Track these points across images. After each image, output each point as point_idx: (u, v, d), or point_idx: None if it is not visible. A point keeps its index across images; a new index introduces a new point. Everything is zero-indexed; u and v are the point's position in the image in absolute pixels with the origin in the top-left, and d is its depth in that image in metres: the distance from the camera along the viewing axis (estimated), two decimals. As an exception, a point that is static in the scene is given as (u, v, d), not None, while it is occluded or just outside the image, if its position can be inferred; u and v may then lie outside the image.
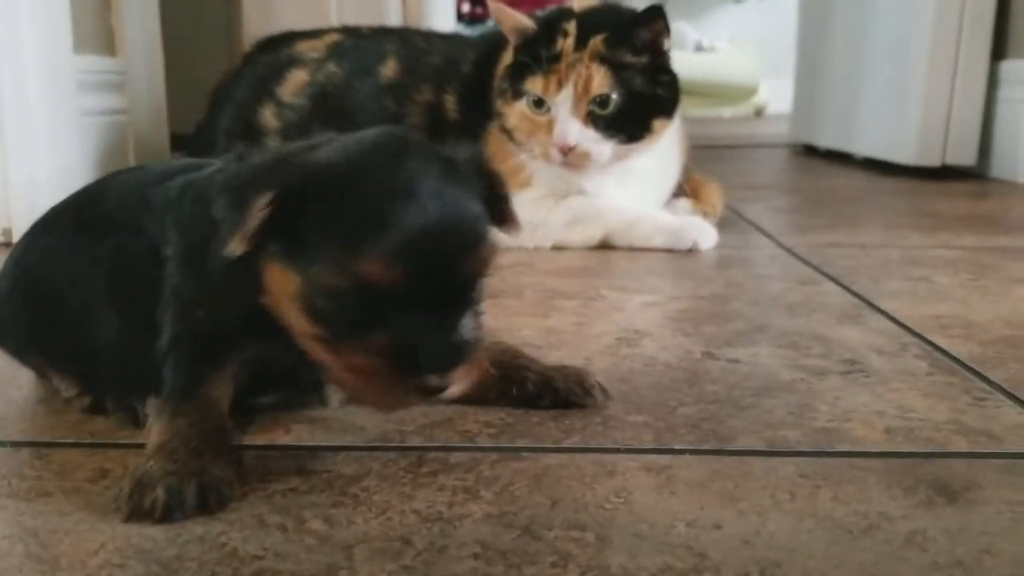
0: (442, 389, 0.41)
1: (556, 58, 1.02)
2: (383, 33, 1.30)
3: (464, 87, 1.13)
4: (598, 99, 1.02)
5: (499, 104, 1.07)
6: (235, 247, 0.39)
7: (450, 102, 1.14)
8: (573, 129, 1.01)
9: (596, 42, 1.02)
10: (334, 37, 1.28)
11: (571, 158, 1.02)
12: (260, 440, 0.49)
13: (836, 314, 0.76)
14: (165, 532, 0.39)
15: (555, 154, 1.02)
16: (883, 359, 0.63)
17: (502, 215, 0.45)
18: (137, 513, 0.39)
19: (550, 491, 0.42)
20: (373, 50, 1.22)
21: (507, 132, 1.07)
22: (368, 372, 0.40)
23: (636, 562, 0.36)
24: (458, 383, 0.41)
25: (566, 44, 1.02)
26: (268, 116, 1.21)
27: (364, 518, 0.40)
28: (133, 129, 1.41)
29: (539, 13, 1.11)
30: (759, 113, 4.73)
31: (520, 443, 0.48)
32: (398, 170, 0.40)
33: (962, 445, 0.48)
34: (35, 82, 1.15)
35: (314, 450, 0.47)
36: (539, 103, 1.04)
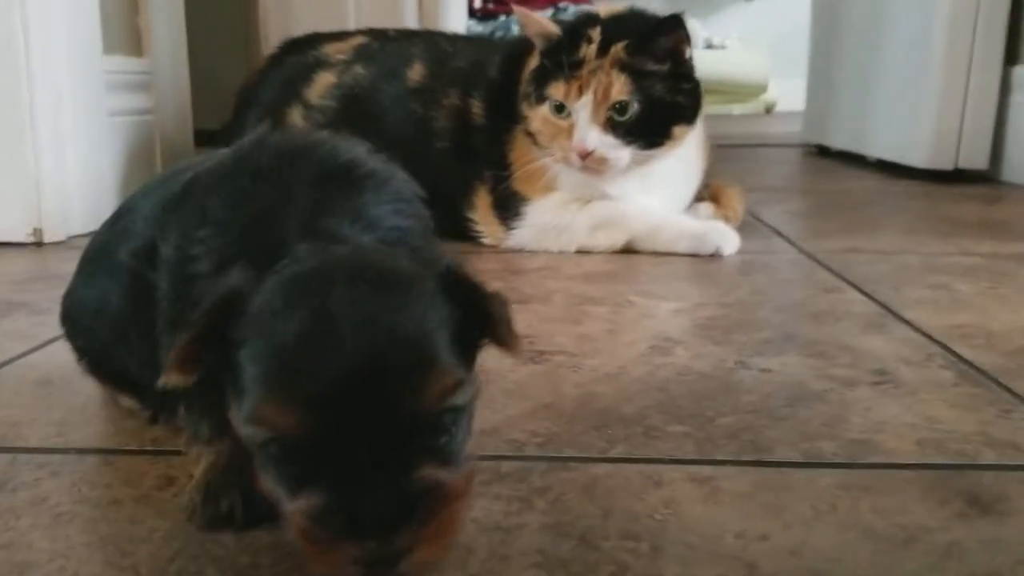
0: (389, 556, 0.32)
1: (578, 64, 1.04)
2: (408, 36, 1.31)
3: (490, 92, 1.15)
4: (617, 106, 1.03)
5: (524, 108, 1.09)
6: (169, 378, 0.36)
7: (476, 106, 1.15)
8: (592, 135, 1.03)
9: (618, 49, 1.03)
10: (360, 39, 1.29)
11: (589, 162, 1.04)
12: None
13: (861, 323, 0.77)
14: (236, 541, 0.41)
15: (574, 158, 1.04)
16: (910, 369, 0.65)
17: (492, 333, 0.37)
18: (216, 520, 0.41)
19: (601, 501, 0.44)
20: (399, 53, 1.24)
21: (531, 135, 1.09)
22: (303, 535, 0.34)
23: (690, 572, 0.38)
24: (422, 546, 0.33)
25: (589, 51, 1.04)
26: (296, 117, 1.23)
27: (426, 527, 0.42)
28: (159, 128, 1.43)
29: (564, 17, 1.12)
30: (769, 110, 4.74)
31: (567, 452, 0.50)
32: (315, 304, 0.34)
33: (991, 457, 0.50)
34: (66, 83, 1.17)
35: (370, 458, 0.49)
36: (560, 108, 1.05)
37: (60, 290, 0.93)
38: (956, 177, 1.77)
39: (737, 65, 4.54)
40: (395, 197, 0.44)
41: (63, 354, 0.69)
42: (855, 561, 0.39)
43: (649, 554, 0.39)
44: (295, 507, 0.34)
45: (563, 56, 1.04)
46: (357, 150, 0.46)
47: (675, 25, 1.04)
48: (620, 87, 1.03)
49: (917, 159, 1.81)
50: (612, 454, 0.50)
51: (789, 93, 3.93)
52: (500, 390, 0.60)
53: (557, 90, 1.05)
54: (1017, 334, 0.74)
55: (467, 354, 0.37)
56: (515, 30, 4.74)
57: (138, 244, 0.47)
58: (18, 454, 0.50)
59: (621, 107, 1.03)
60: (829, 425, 0.55)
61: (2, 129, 1.13)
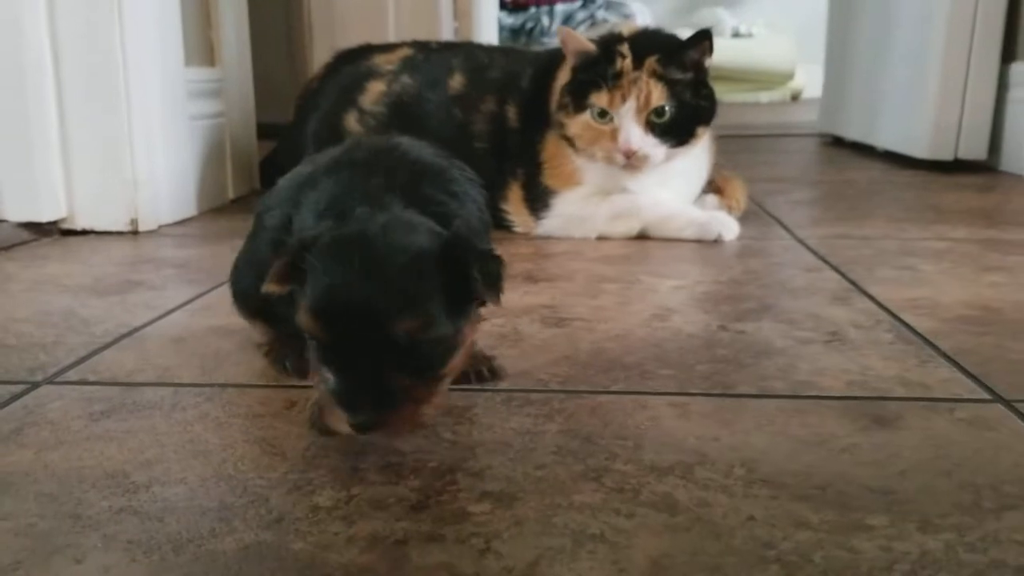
0: (364, 427, 0.49)
1: (617, 75, 1.20)
2: (449, 48, 1.48)
3: (524, 99, 1.32)
4: (656, 110, 1.20)
5: (560, 116, 1.26)
6: (268, 287, 0.53)
7: (511, 112, 1.32)
8: (636, 136, 1.20)
9: (651, 62, 1.20)
10: (406, 51, 1.47)
11: (633, 160, 1.21)
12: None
13: (829, 297, 0.93)
14: (348, 441, 0.58)
15: (619, 157, 1.21)
16: (858, 332, 0.81)
17: (476, 289, 0.52)
18: (325, 430, 0.57)
19: (602, 418, 0.61)
20: (441, 64, 1.41)
21: (568, 139, 1.26)
22: (320, 402, 0.52)
23: (661, 458, 0.55)
24: (387, 427, 0.50)
25: (625, 64, 1.20)
26: (352, 122, 1.41)
27: (478, 431, 0.59)
28: (229, 129, 1.62)
29: (595, 37, 1.28)
30: (796, 98, 4.83)
31: (580, 387, 0.67)
32: (347, 252, 0.50)
33: (901, 392, 0.66)
34: (156, 94, 1.36)
35: (435, 390, 0.67)
36: (603, 114, 1.22)
37: (166, 271, 1.12)
38: (956, 167, 1.90)
39: (764, 53, 4.64)
40: (446, 182, 0.61)
41: (187, 320, 0.88)
42: (777, 453, 0.56)
43: (633, 448, 0.56)
44: (318, 377, 0.51)
45: (604, 69, 1.21)
46: (425, 151, 0.64)
47: (703, 39, 1.20)
48: (659, 94, 1.19)
49: (919, 150, 1.95)
50: (613, 388, 0.67)
51: (816, 80, 4.03)
52: (531, 345, 0.78)
53: (600, 99, 1.21)
54: (959, 306, 0.90)
55: (458, 304, 0.52)
56: (544, 22, 4.87)
57: (277, 216, 0.65)
58: (178, 387, 0.69)
59: (659, 111, 1.20)
60: (783, 371, 0.71)
61: (106, 134, 1.32)
